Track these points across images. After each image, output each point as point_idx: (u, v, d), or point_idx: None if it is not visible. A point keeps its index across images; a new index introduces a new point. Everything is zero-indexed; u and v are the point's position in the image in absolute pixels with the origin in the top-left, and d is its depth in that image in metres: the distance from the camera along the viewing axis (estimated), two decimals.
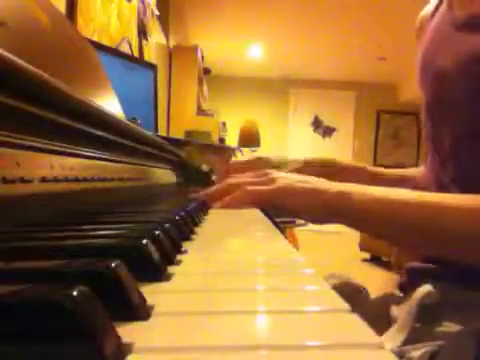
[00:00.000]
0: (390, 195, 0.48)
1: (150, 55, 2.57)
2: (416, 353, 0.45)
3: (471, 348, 0.40)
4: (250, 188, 0.54)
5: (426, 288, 0.49)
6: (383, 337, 0.50)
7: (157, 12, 2.56)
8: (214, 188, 0.62)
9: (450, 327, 0.47)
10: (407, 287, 0.59)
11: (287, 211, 0.56)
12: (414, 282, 0.55)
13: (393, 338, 0.49)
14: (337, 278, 0.67)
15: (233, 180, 0.59)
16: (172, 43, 3.67)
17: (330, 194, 0.50)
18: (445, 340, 0.44)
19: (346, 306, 0.18)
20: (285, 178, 0.54)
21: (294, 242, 3.49)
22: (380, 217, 0.48)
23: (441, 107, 0.56)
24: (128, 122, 0.66)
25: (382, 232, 0.51)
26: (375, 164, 6.09)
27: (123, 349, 0.14)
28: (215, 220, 0.53)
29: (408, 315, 0.49)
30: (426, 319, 0.48)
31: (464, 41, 0.52)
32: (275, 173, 0.56)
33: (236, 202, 0.54)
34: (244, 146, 4.13)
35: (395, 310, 0.56)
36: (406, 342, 0.48)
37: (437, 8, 0.61)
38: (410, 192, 0.49)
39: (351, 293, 0.63)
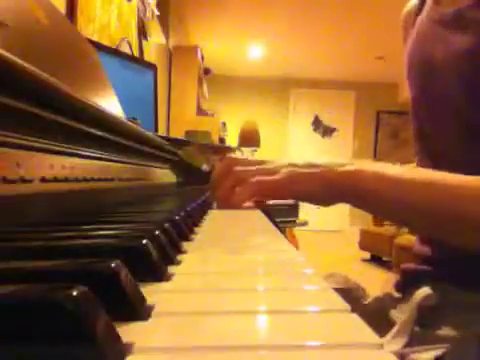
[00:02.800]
0: (397, 175, 0.45)
1: (150, 55, 2.57)
2: (418, 356, 0.45)
3: (476, 353, 0.40)
4: (257, 178, 0.51)
5: (424, 291, 0.49)
6: (384, 338, 0.50)
7: (157, 12, 2.56)
8: (222, 187, 0.57)
9: (449, 330, 0.47)
10: (403, 288, 0.59)
11: (294, 198, 0.54)
12: (409, 283, 0.55)
13: (393, 341, 0.49)
14: (336, 278, 0.67)
15: (243, 172, 0.54)
16: (172, 43, 3.67)
17: (335, 176, 0.48)
18: (448, 344, 0.44)
19: (346, 306, 0.18)
20: (289, 165, 0.52)
21: (294, 242, 3.49)
22: (386, 199, 0.45)
23: (431, 105, 0.56)
24: (128, 122, 0.66)
25: (389, 214, 0.50)
26: None
27: (123, 349, 0.14)
28: (215, 220, 0.53)
29: (408, 319, 0.49)
30: (425, 322, 0.48)
31: (452, 38, 0.51)
32: (278, 162, 0.54)
33: (244, 197, 0.52)
34: (244, 146, 4.12)
35: (394, 313, 0.56)
36: (406, 345, 0.48)
37: (423, 3, 0.61)
38: (418, 171, 0.47)
39: (349, 293, 0.63)
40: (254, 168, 0.54)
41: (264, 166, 0.54)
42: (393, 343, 0.48)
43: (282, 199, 0.55)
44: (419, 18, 0.60)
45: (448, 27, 0.52)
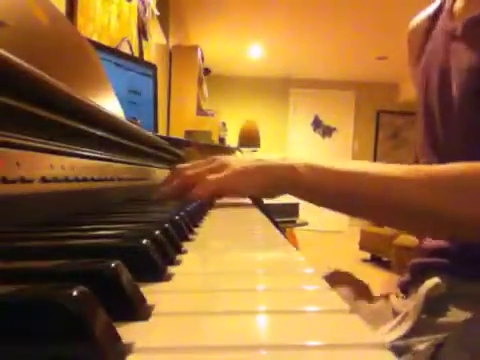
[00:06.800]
0: (339, 167, 0.50)
1: (150, 55, 2.57)
2: (422, 346, 0.45)
3: (477, 337, 0.40)
4: (211, 177, 0.56)
5: (433, 281, 0.49)
6: (386, 326, 0.51)
7: (157, 12, 2.56)
8: (174, 184, 0.62)
9: (455, 316, 0.47)
10: (409, 285, 0.59)
11: (245, 192, 0.61)
12: (418, 278, 0.55)
13: (396, 329, 0.49)
14: (341, 275, 0.67)
15: (190, 172, 0.60)
16: (172, 43, 3.67)
17: (282, 169, 0.53)
18: (451, 330, 0.44)
19: (346, 306, 0.18)
20: (237, 162, 0.58)
21: (294, 242, 3.49)
22: (328, 188, 0.51)
23: (444, 115, 0.56)
24: (128, 122, 0.66)
25: (331, 203, 0.53)
26: None
27: (123, 349, 0.14)
28: (214, 220, 0.53)
29: (415, 307, 0.49)
30: (432, 310, 0.49)
31: (462, 53, 0.52)
32: (224, 158, 0.60)
33: (200, 195, 0.57)
34: (244, 146, 4.12)
35: (397, 303, 0.56)
36: (410, 333, 0.48)
37: (436, 15, 0.62)
38: (360, 163, 0.51)
39: (355, 287, 0.64)
40: (205, 168, 0.59)
41: (212, 165, 0.59)
42: (396, 330, 0.49)
43: (234, 194, 0.62)
44: (434, 32, 0.61)
45: (459, 41, 0.54)
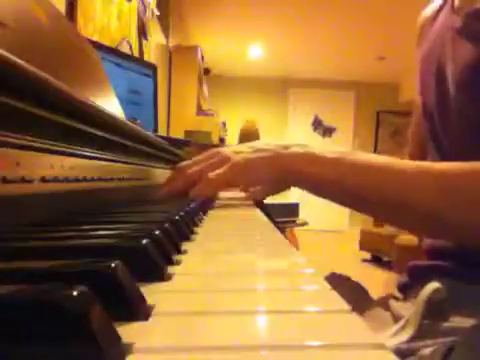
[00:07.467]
0: (346, 159, 0.49)
1: (150, 55, 2.57)
2: (427, 350, 0.45)
3: None
4: (212, 175, 0.56)
5: (433, 285, 0.49)
6: (389, 331, 0.50)
7: (157, 12, 2.56)
8: (176, 183, 0.63)
9: (458, 322, 0.47)
10: (408, 287, 0.58)
11: (249, 184, 0.60)
12: (417, 281, 0.55)
13: (399, 334, 0.49)
14: (338, 278, 0.67)
15: (191, 170, 0.60)
16: (172, 43, 3.67)
17: (285, 159, 0.52)
18: (458, 335, 0.44)
19: (346, 306, 0.18)
20: (237, 153, 0.57)
21: (294, 242, 3.49)
22: (334, 182, 0.49)
23: (443, 110, 0.56)
24: (128, 122, 0.66)
25: (336, 197, 0.52)
26: None
27: (123, 349, 0.14)
28: (214, 220, 0.53)
29: (416, 312, 0.49)
30: (433, 315, 0.48)
31: (460, 48, 0.51)
32: (224, 151, 0.59)
33: (203, 193, 0.57)
34: None
35: (399, 310, 0.56)
36: (413, 338, 0.48)
37: (441, 8, 0.61)
38: (368, 156, 0.50)
39: (353, 292, 0.63)
40: (206, 164, 0.59)
41: (212, 160, 0.59)
42: (399, 335, 0.48)
43: (237, 186, 0.62)
44: (436, 23, 0.60)
45: (459, 36, 0.52)
